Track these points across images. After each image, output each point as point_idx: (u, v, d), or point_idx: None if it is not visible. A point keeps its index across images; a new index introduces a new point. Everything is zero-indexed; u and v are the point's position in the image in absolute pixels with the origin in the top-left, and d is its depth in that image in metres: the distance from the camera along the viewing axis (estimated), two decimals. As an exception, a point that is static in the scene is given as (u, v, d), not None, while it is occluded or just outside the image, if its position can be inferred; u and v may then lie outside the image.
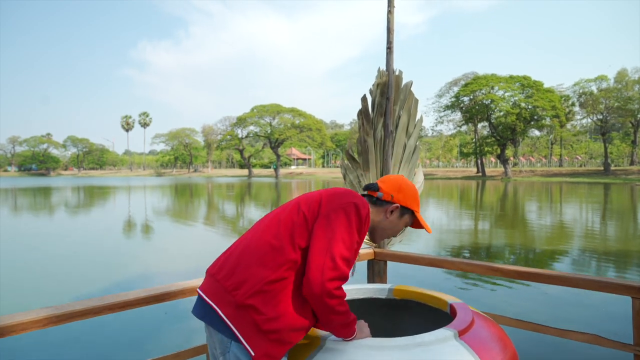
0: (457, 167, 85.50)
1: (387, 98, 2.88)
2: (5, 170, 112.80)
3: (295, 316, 1.47)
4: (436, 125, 63.43)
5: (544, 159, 74.34)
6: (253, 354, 1.38)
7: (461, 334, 1.69)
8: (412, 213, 1.75)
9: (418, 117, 3.00)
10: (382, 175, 2.97)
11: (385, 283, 2.91)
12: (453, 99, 56.90)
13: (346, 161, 2.93)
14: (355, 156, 2.94)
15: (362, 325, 1.65)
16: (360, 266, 3.06)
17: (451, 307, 2.01)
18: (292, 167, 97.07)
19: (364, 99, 2.90)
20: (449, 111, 58.61)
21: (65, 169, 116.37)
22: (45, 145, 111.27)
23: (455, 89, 57.79)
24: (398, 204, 1.70)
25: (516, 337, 2.11)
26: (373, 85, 2.91)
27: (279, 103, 71.74)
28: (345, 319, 1.52)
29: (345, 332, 1.56)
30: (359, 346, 1.59)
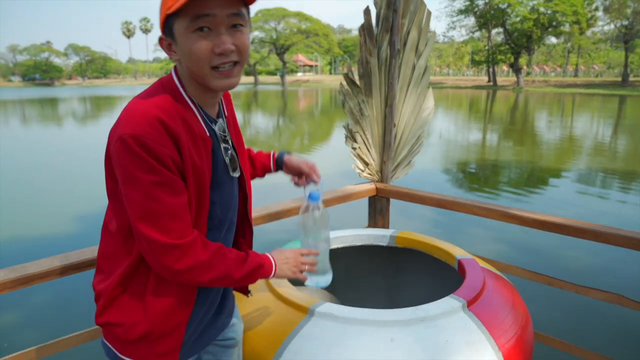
0: (467, 75, 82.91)
1: (394, 10, 2.43)
2: (9, 81, 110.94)
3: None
4: (448, 31, 60.64)
5: (558, 69, 71.49)
6: None
7: (470, 304, 1.45)
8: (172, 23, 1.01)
9: (430, 32, 2.57)
10: (386, 101, 2.62)
11: (388, 222, 2.68)
12: (467, 3, 53.52)
13: (345, 86, 2.54)
14: (356, 79, 2.56)
15: (281, 257, 1.24)
16: (361, 203, 2.81)
17: (459, 263, 1.77)
18: (299, 74, 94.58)
19: (366, 11, 2.45)
20: (462, 16, 55.37)
21: (70, 79, 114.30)
22: (46, 54, 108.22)
23: (471, -10, 54.22)
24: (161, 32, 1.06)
25: (526, 292, 1.90)
26: (378, -6, 2.45)
27: (284, 7, 68.22)
28: (230, 272, 1.11)
29: (254, 278, 1.18)
30: (354, 321, 1.37)
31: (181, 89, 1.08)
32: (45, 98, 49.96)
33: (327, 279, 1.42)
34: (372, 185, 2.64)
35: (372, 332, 1.34)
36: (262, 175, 1.51)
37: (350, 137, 2.62)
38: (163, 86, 1.08)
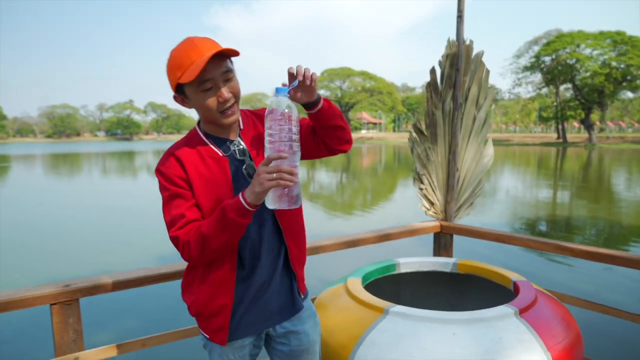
0: (535, 132, 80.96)
1: (457, 69, 2.82)
2: (95, 135, 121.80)
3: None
4: (513, 88, 59.82)
5: (637, 124, 68.31)
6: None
7: (522, 312, 1.70)
8: (183, 88, 1.37)
9: (489, 88, 2.92)
10: (450, 148, 2.96)
11: (451, 257, 2.95)
12: (533, 59, 53.21)
13: (414, 134, 2.93)
14: (423, 129, 2.94)
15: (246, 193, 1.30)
16: (426, 239, 3.10)
17: (514, 284, 2.02)
18: (363, 131, 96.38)
19: (432, 71, 2.86)
20: (528, 72, 54.99)
21: (146, 134, 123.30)
22: (128, 112, 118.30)
23: (536, 48, 53.88)
24: (174, 93, 1.42)
25: (583, 318, 2.08)
26: (442, 56, 2.85)
27: (349, 66, 70.90)
28: (219, 234, 1.32)
29: (229, 221, 1.30)
30: (422, 318, 1.66)
31: (197, 128, 1.48)
32: (124, 151, 54.23)
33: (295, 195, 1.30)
34: (436, 223, 2.93)
35: (437, 328, 1.63)
36: (320, 125, 1.50)
37: (418, 179, 2.97)
38: (190, 131, 1.51)
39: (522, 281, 2.02)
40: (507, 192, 16.08)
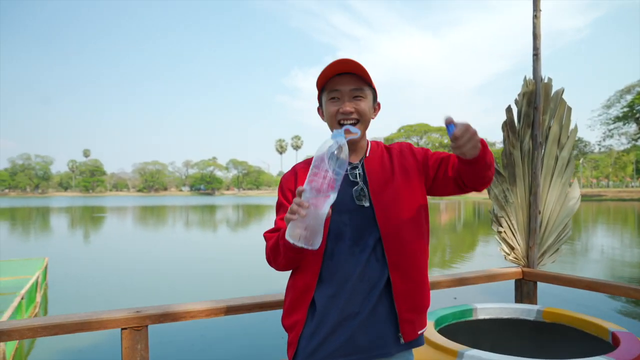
0: (632, 187, 74.74)
1: (535, 107, 2.70)
2: (181, 190, 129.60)
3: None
4: (604, 140, 56.21)
5: None
6: None
7: (622, 363, 1.50)
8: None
9: (572, 126, 2.76)
10: (530, 189, 2.79)
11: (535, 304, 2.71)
12: (625, 109, 50.05)
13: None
14: (501, 170, 2.81)
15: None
16: (507, 286, 2.89)
17: (613, 335, 1.80)
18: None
19: (508, 109, 2.77)
20: (621, 123, 51.72)
21: (227, 189, 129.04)
22: (211, 168, 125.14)
23: (629, 97, 50.74)
24: (318, 106, 1.61)
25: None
26: (518, 95, 2.76)
27: (426, 122, 70.78)
28: (276, 251, 1.41)
29: (278, 244, 1.39)
30: (499, 365, 1.51)
31: None
32: (206, 205, 56.84)
33: (313, 240, 1.24)
34: (518, 269, 2.73)
35: (519, 375, 1.47)
36: (472, 171, 1.37)
37: (496, 221, 2.81)
38: None
39: (624, 332, 1.80)
40: (602, 251, 14.78)
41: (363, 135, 1.53)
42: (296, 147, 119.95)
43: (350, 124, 1.47)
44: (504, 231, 2.79)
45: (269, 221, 29.32)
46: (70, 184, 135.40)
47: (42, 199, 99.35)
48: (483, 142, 1.30)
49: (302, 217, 1.20)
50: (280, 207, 1.52)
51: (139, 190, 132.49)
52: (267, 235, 1.48)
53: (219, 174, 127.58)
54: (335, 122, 1.48)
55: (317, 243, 1.22)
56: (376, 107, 1.59)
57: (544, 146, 2.78)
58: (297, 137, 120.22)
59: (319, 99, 1.57)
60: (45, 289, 9.60)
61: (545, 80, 2.75)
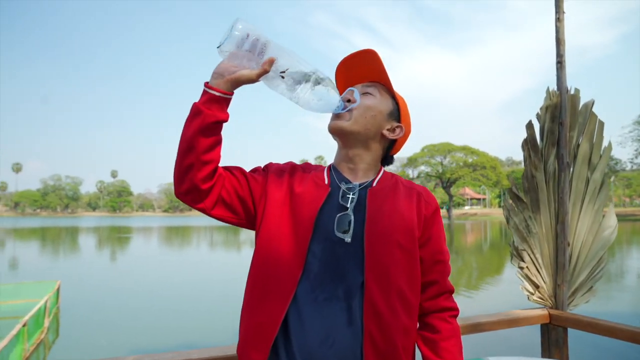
0: (669, 207, 71.91)
1: (560, 123, 2.34)
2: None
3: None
4: (636, 157, 54.35)
5: None
6: None
7: None
8: None
9: (605, 144, 2.38)
10: (557, 217, 2.40)
11: (566, 357, 2.30)
12: (660, 125, 48.49)
13: (510, 201, 2.43)
14: (521, 195, 2.43)
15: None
16: (532, 332, 2.48)
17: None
18: (466, 207, 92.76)
19: (529, 125, 2.40)
20: (655, 140, 50.04)
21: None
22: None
23: (662, 114, 49.19)
24: None
25: None
26: (540, 108, 2.39)
27: (450, 141, 69.92)
28: (187, 126, 1.10)
29: (199, 110, 1.09)
30: None
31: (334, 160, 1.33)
32: (230, 225, 56.90)
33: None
34: (544, 312, 2.33)
35: None
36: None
37: (517, 255, 2.42)
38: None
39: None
40: (638, 276, 13.95)
41: (367, 155, 1.26)
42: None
43: (342, 113, 1.23)
44: (527, 266, 2.40)
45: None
46: (99, 204, 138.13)
47: (71, 218, 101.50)
48: None
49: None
50: (254, 171, 1.28)
51: (165, 211, 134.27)
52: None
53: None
54: (335, 105, 1.24)
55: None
56: (395, 127, 1.28)
57: (572, 167, 2.40)
58: (320, 157, 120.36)
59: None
60: (57, 313, 9.43)
61: (572, 92, 2.39)
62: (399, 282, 1.12)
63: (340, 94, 1.26)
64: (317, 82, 1.12)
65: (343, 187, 1.21)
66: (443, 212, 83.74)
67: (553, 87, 2.40)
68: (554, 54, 2.41)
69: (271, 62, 1.07)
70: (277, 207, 1.18)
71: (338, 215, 1.15)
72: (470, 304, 9.70)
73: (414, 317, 1.18)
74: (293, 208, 1.17)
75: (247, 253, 23.42)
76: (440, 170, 69.85)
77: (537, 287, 2.43)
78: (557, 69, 2.37)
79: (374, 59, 1.23)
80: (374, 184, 1.23)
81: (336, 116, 1.23)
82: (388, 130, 1.26)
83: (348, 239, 1.12)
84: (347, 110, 1.21)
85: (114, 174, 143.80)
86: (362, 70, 1.27)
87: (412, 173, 75.16)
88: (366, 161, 1.26)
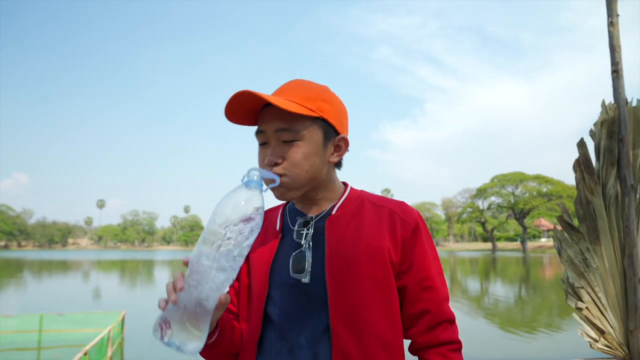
0: None
1: (620, 139, 2.02)
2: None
3: None
4: None
5: None
6: None
7: None
8: None
9: (677, 163, 2.02)
10: (622, 249, 2.05)
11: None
12: None
13: (560, 230, 2.11)
14: (575, 223, 2.10)
15: None
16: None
17: None
18: (542, 239, 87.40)
19: (581, 144, 2.09)
20: None
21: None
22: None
23: None
24: None
25: None
26: (595, 124, 2.08)
27: (521, 171, 66.89)
28: None
29: None
30: None
31: None
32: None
33: (192, 342, 0.84)
34: (611, 362, 1.97)
35: None
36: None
37: (573, 293, 2.07)
38: None
39: None
40: None
41: (313, 185, 1.06)
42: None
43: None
44: (587, 307, 2.05)
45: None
46: (172, 238, 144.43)
47: (147, 252, 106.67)
48: None
49: (172, 302, 0.82)
50: None
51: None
52: None
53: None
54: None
55: (189, 346, 0.83)
56: (338, 143, 1.09)
57: (638, 190, 2.06)
58: (386, 190, 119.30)
59: None
60: (121, 343, 9.69)
61: (634, 103, 2.07)
62: (373, 321, 0.97)
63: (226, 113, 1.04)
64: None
65: (299, 221, 1.09)
66: (517, 244, 79.44)
67: (609, 98, 2.10)
68: (628, 69, 2.12)
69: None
70: (243, 274, 1.12)
71: (292, 255, 1.04)
72: (551, 343, 8.96)
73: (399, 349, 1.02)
74: (250, 266, 1.10)
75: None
76: (513, 201, 66.76)
77: (602, 332, 2.06)
78: (613, 78, 2.07)
79: (252, 99, 1.00)
80: (334, 212, 1.08)
81: (274, 189, 1.04)
82: (333, 154, 1.09)
83: (305, 279, 1.00)
84: (278, 186, 1.01)
85: (186, 209, 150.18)
86: (272, 113, 1.02)
87: (482, 204, 72.40)
88: (322, 193, 1.11)
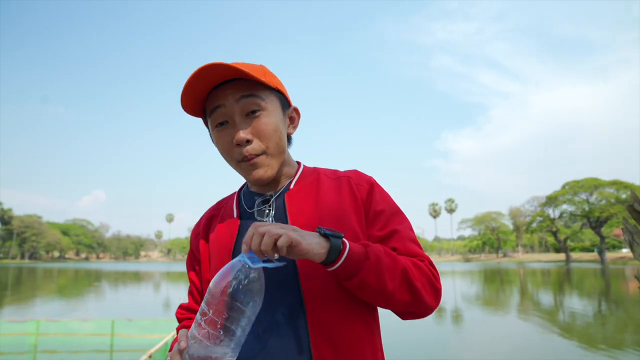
0: None
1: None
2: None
3: None
4: None
5: None
6: None
7: None
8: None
9: None
10: None
11: None
12: None
13: (631, 221, 1.89)
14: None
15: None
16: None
17: None
18: (623, 250, 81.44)
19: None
20: None
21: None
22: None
23: None
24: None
25: None
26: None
27: (596, 176, 62.93)
28: None
29: None
30: None
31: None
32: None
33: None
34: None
35: None
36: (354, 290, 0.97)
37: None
38: None
39: None
40: None
41: (282, 159, 1.06)
42: (450, 211, 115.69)
43: (253, 159, 0.98)
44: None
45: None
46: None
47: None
48: (352, 252, 0.88)
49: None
50: (191, 260, 1.19)
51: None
52: (180, 314, 1.16)
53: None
54: (233, 160, 1.02)
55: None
56: (291, 114, 1.09)
57: None
58: (450, 200, 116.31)
59: (206, 125, 1.09)
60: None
61: None
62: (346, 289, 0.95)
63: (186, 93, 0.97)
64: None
65: (257, 201, 1.07)
66: (593, 255, 74.52)
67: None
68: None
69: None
70: (205, 270, 1.10)
71: None
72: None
73: (376, 323, 1.03)
74: (212, 257, 1.07)
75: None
76: (587, 209, 62.85)
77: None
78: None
79: (233, 69, 0.94)
80: (291, 187, 1.07)
81: (254, 165, 1.00)
82: (289, 126, 1.10)
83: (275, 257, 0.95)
84: (258, 156, 1.00)
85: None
86: (232, 86, 0.98)
87: (552, 213, 68.77)
88: (283, 169, 1.09)
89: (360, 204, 1.03)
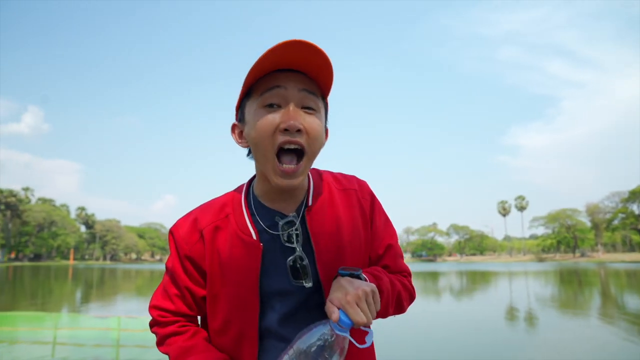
0: None
1: None
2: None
3: None
4: None
5: None
6: None
7: None
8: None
9: None
10: None
11: None
12: None
13: None
14: None
15: None
16: None
17: None
18: None
19: None
20: None
21: (449, 255, 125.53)
22: (432, 234, 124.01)
23: None
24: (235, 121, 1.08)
25: None
26: None
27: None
28: None
29: None
30: None
31: (247, 186, 1.09)
32: (428, 272, 55.62)
33: None
34: None
35: None
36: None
37: None
38: (239, 186, 1.11)
39: None
40: None
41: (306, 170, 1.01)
42: (520, 208, 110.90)
43: (291, 153, 0.94)
44: None
45: (496, 289, 26.84)
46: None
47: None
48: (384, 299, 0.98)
49: None
50: (172, 278, 1.06)
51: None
52: (162, 330, 1.04)
53: (440, 239, 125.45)
54: (272, 150, 0.94)
55: None
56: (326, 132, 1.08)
57: None
58: (521, 198, 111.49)
59: (239, 109, 1.03)
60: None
61: None
62: None
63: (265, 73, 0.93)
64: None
65: (280, 223, 1.01)
66: (686, 255, 68.23)
67: None
68: None
69: None
70: (213, 286, 1.03)
71: (289, 263, 1.00)
72: None
73: None
74: (226, 280, 1.00)
75: (447, 298, 22.34)
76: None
77: None
78: None
79: (326, 66, 0.91)
80: (310, 202, 1.04)
81: (292, 173, 0.95)
82: (325, 140, 1.08)
83: (308, 284, 1.00)
84: (302, 162, 0.96)
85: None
86: (298, 77, 0.94)
87: (637, 209, 63.95)
88: (302, 183, 1.05)
89: (367, 219, 1.09)
